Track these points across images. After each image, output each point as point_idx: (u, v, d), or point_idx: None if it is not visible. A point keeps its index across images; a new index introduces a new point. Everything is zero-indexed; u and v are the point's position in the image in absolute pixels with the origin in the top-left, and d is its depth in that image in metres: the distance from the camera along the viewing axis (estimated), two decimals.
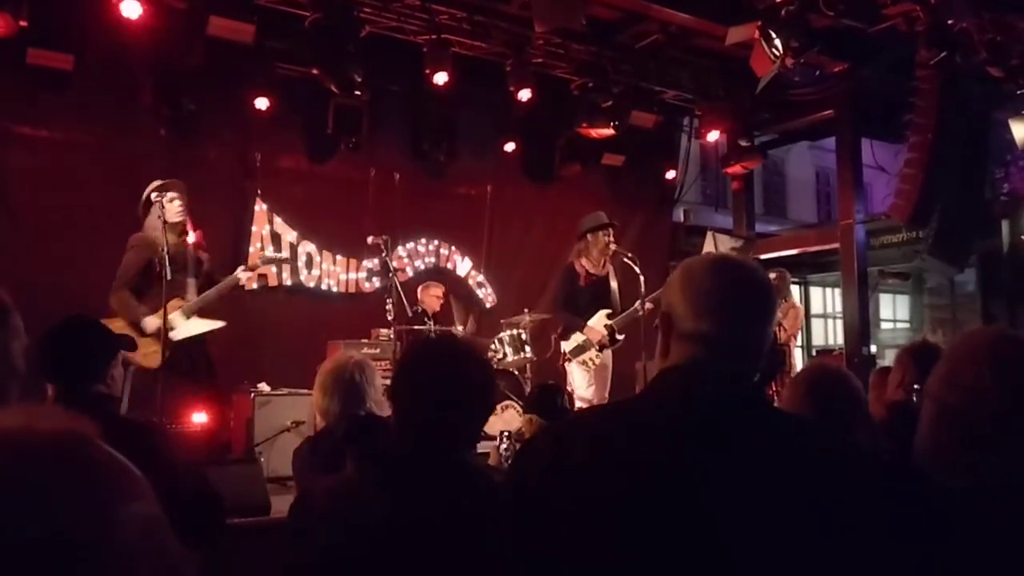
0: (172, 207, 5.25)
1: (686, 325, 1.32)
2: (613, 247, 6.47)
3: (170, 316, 5.12)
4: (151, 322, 5.14)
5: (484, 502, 1.69)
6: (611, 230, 6.51)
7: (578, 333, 6.44)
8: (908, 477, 1.45)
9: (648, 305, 6.19)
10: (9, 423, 0.64)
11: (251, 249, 7.50)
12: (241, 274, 5.55)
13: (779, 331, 7.10)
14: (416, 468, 1.77)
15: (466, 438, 1.90)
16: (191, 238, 5.45)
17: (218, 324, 5.42)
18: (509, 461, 4.57)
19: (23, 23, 5.58)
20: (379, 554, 1.65)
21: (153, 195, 5.26)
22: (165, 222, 5.10)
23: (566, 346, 6.51)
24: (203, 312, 5.37)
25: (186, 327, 5.29)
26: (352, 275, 8.08)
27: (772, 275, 7.12)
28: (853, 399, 2.57)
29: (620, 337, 6.49)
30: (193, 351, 5.34)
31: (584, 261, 6.50)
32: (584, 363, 6.43)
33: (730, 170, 9.24)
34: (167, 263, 4.97)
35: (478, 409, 1.93)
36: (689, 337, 1.31)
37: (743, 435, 1.25)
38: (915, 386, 2.82)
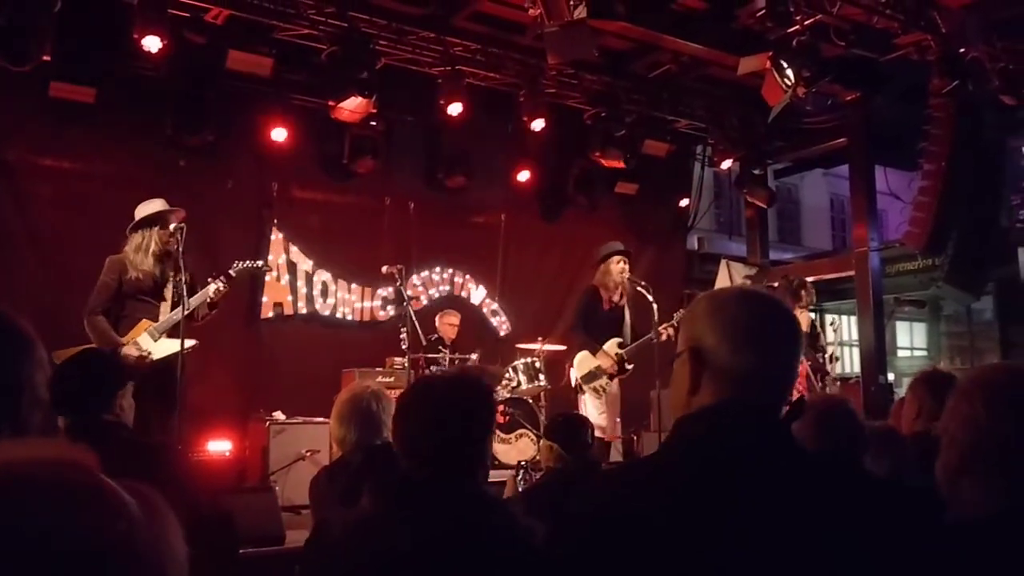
0: (171, 240, 5.06)
1: (722, 360, 1.26)
2: (626, 275, 6.51)
3: (138, 339, 4.98)
4: (128, 351, 4.90)
5: (500, 531, 1.69)
6: (625, 258, 6.56)
7: (591, 358, 6.45)
8: (931, 507, 1.48)
9: (663, 335, 6.19)
10: (17, 454, 0.69)
11: (267, 279, 7.55)
12: (211, 288, 5.11)
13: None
14: (430, 498, 1.77)
15: (473, 462, 1.89)
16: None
17: (187, 344, 4.85)
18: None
19: (46, 58, 5.68)
20: None
21: (148, 222, 5.11)
22: (157, 250, 5.04)
23: (577, 373, 6.51)
24: (179, 333, 4.88)
25: (156, 349, 5.02)
26: (367, 303, 8.11)
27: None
28: (857, 429, 2.66)
29: (629, 367, 6.50)
30: (161, 378, 4.89)
31: (606, 287, 6.57)
32: (595, 390, 6.44)
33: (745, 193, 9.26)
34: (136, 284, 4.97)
35: (477, 429, 1.90)
36: (726, 373, 1.26)
37: (782, 477, 1.23)
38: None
